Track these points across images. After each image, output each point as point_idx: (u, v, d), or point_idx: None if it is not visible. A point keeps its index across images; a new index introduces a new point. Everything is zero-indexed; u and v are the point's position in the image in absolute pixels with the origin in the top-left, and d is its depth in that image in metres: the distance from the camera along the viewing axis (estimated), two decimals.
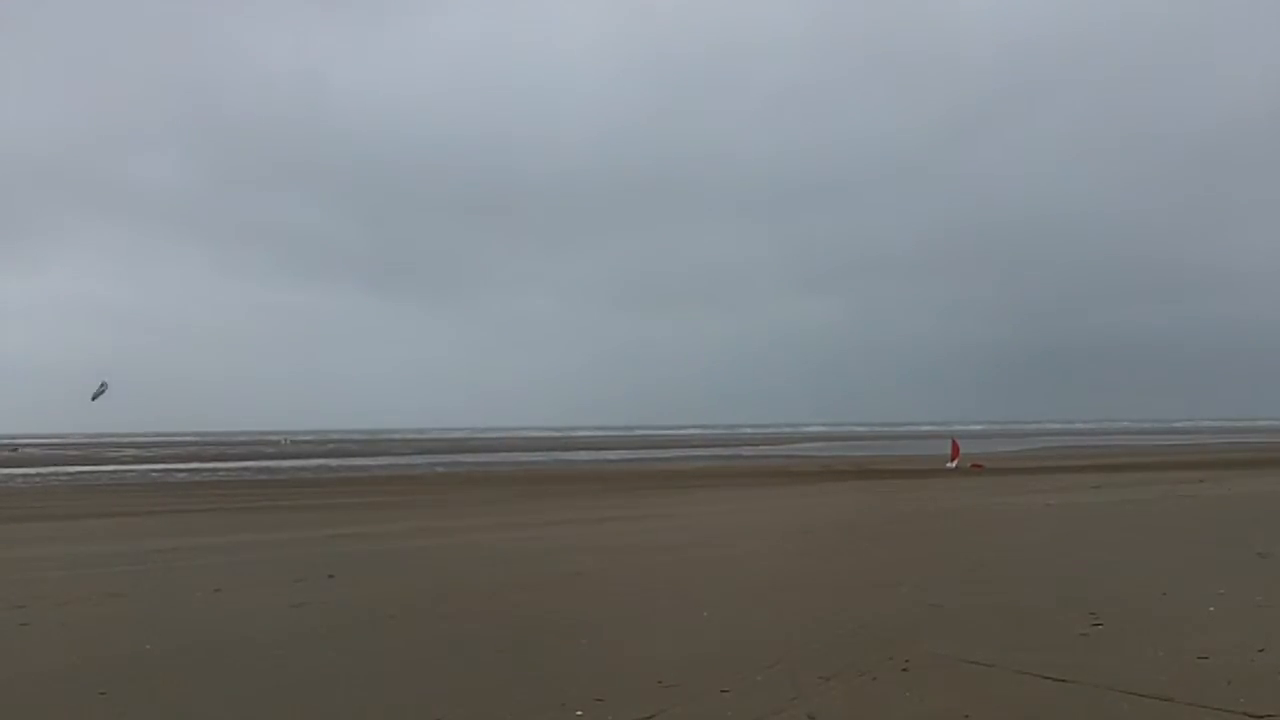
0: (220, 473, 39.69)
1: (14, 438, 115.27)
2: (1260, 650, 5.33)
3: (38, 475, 38.70)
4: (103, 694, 5.03)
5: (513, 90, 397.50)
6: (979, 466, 32.42)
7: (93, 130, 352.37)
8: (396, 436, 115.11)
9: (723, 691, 4.78)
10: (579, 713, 4.52)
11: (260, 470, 41.46)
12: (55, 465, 47.50)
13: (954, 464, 32.92)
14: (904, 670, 5.12)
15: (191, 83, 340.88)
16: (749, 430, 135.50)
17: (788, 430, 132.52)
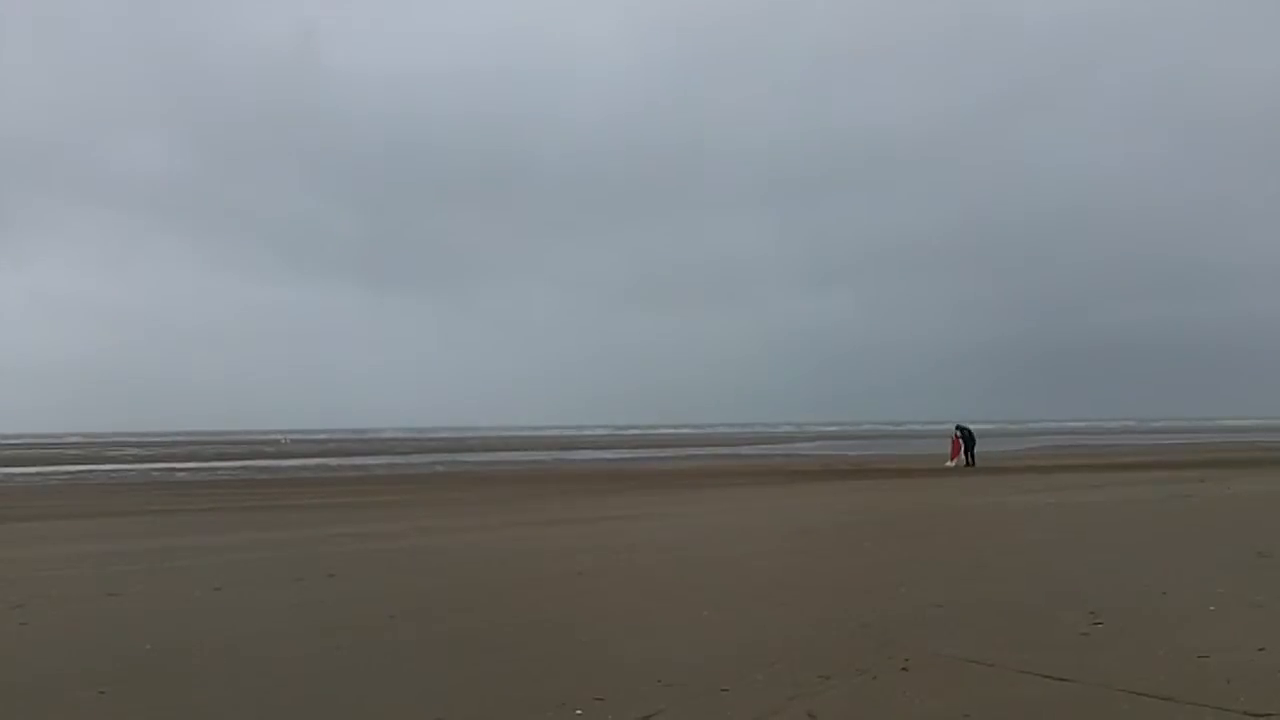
0: (220, 472, 39.69)
1: (7, 437, 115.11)
2: (1260, 650, 5.34)
3: (37, 475, 38.71)
4: (103, 694, 5.03)
5: (517, 71, 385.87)
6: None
7: (77, 115, 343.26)
8: (396, 436, 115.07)
9: (723, 691, 4.78)
10: (579, 712, 4.52)
11: (260, 470, 41.45)
12: (55, 465, 47.52)
13: (953, 463, 33.00)
14: (904, 670, 5.13)
15: (180, 62, 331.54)
16: (749, 429, 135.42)
17: (788, 429, 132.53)
